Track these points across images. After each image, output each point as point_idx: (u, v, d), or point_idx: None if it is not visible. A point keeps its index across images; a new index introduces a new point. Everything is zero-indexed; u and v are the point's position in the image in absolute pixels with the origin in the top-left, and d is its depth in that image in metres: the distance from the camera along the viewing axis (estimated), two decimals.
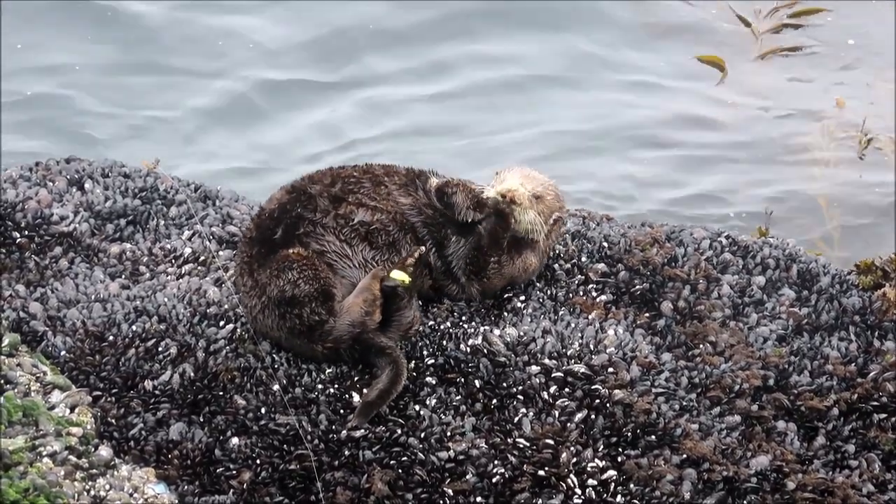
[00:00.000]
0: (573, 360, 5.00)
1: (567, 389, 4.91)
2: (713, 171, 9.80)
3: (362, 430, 4.75)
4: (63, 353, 5.14)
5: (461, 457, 4.70)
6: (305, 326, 4.95)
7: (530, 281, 5.46)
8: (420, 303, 5.26)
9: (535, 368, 4.96)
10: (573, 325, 5.20)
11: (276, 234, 5.10)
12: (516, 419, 4.82)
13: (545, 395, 4.89)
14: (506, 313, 5.29)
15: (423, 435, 4.76)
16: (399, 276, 5.01)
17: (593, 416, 4.83)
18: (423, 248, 5.14)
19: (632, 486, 4.65)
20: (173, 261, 5.70)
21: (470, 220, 5.26)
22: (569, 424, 4.80)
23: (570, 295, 5.42)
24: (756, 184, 9.72)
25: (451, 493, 4.63)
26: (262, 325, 5.06)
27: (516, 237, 5.31)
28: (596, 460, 4.70)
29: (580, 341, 5.10)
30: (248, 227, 5.30)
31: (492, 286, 5.35)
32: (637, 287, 5.43)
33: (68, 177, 6.13)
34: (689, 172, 9.77)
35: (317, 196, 5.20)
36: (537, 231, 5.31)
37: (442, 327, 5.16)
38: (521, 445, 4.73)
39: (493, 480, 4.66)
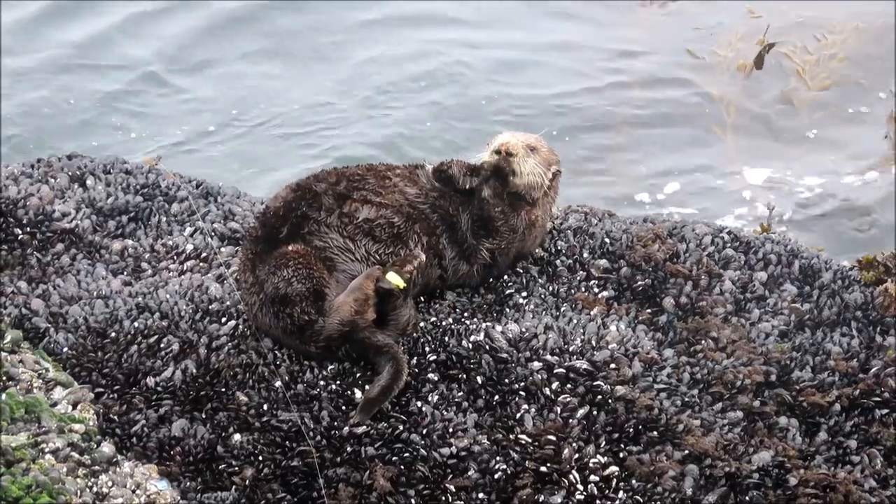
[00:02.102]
0: (575, 356, 5.00)
1: (569, 385, 4.91)
2: None
3: (364, 427, 4.76)
4: (65, 349, 5.15)
5: (463, 453, 4.71)
6: (296, 326, 4.96)
7: (532, 277, 5.46)
8: (422, 298, 5.28)
9: (536, 364, 4.96)
10: (575, 321, 5.20)
11: (282, 233, 5.11)
12: (518, 415, 4.82)
13: (547, 391, 4.88)
14: (507, 309, 5.29)
15: (425, 431, 4.76)
16: (395, 279, 5.00)
17: (595, 413, 4.83)
18: (422, 257, 5.15)
19: (634, 482, 4.65)
20: (175, 257, 5.70)
21: (469, 186, 5.37)
22: (571, 420, 4.80)
23: (572, 291, 5.42)
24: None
25: (454, 490, 4.63)
26: (261, 322, 5.07)
27: (517, 196, 5.41)
28: (598, 456, 4.70)
29: (582, 337, 5.10)
30: (253, 224, 5.30)
31: (502, 245, 5.37)
32: (639, 283, 5.43)
33: (70, 173, 6.13)
34: None
35: (322, 194, 5.21)
36: (538, 184, 5.41)
37: (444, 323, 5.15)
38: (523, 441, 4.73)
39: (495, 477, 4.66)
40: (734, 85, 10.30)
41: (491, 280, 5.43)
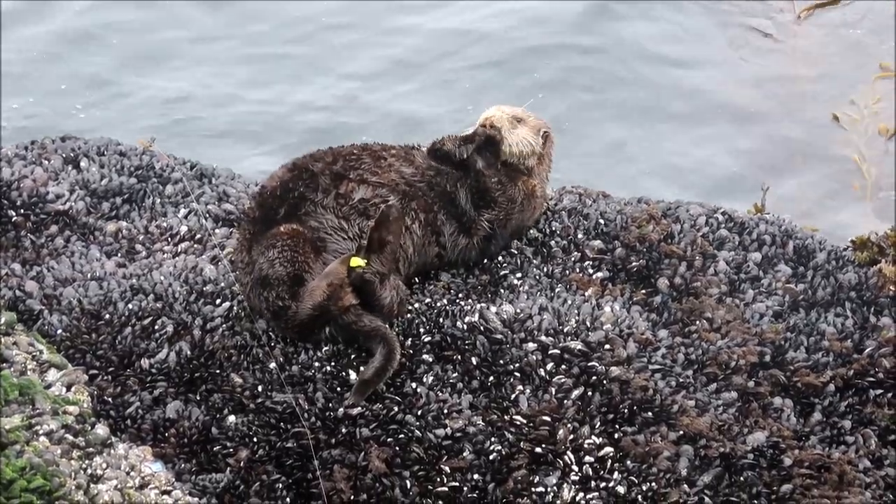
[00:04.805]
0: (570, 337, 4.99)
1: (564, 366, 4.91)
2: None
3: (359, 408, 4.75)
4: (59, 331, 5.14)
5: (458, 434, 4.71)
6: (271, 311, 4.95)
7: (526, 258, 5.45)
8: (416, 280, 5.27)
9: (531, 345, 4.96)
10: (570, 301, 5.20)
11: (279, 215, 5.10)
12: (513, 396, 4.82)
13: (542, 372, 4.88)
14: (502, 290, 5.29)
15: (420, 412, 4.76)
16: (355, 262, 4.97)
17: (590, 393, 4.83)
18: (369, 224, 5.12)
19: (629, 462, 4.66)
20: (169, 239, 5.69)
21: (466, 155, 5.41)
22: (565, 401, 4.80)
23: (567, 272, 5.42)
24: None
25: (448, 471, 4.63)
26: (252, 302, 5.06)
27: (512, 167, 5.48)
28: (593, 437, 4.71)
29: (577, 318, 5.10)
30: (250, 205, 5.29)
31: (501, 216, 5.41)
32: (633, 264, 5.42)
33: (64, 155, 6.11)
34: None
35: (319, 174, 5.21)
36: (529, 152, 5.50)
37: (438, 304, 5.15)
38: (518, 422, 4.73)
39: (490, 458, 4.66)
40: (874, 148, 9.92)
41: (486, 259, 5.42)
